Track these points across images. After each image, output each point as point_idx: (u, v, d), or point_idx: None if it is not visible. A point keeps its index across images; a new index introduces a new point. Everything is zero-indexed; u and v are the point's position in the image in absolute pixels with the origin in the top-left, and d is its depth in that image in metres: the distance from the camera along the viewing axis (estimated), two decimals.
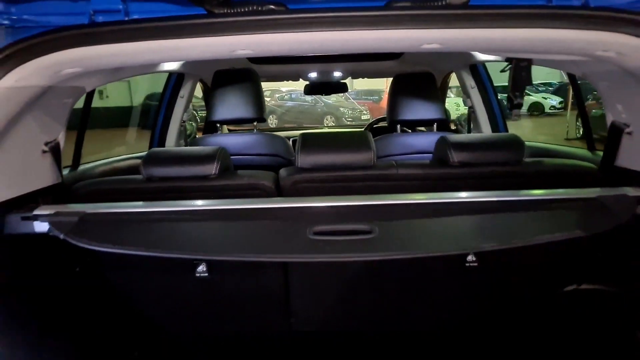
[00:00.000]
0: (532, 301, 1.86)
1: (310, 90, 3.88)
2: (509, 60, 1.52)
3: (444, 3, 1.03)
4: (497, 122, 2.85)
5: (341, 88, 3.91)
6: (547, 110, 16.84)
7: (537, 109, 17.34)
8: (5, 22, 1.11)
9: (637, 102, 1.35)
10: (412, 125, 2.88)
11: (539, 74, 20.41)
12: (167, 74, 2.91)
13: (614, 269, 1.65)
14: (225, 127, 3.87)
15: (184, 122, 3.08)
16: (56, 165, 1.55)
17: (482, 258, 1.75)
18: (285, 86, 18.25)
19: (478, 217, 1.38)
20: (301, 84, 3.94)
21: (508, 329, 1.87)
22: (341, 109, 16.88)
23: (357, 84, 23.40)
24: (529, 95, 18.26)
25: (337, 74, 3.59)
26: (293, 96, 19.25)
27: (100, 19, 1.09)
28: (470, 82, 2.90)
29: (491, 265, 1.77)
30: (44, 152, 1.47)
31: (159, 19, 1.06)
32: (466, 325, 1.91)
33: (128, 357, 1.78)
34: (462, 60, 2.84)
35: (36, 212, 1.37)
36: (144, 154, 2.92)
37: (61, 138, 1.56)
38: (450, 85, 3.71)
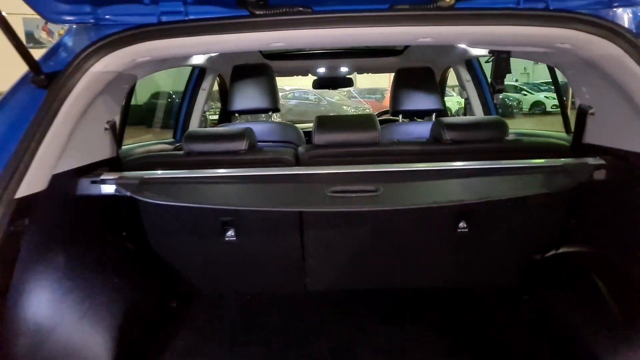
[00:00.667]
0: (515, 263, 2.15)
1: (319, 84, 4.18)
2: (491, 52, 1.81)
3: (435, 6, 1.32)
4: (490, 110, 3.15)
5: (347, 83, 4.21)
6: (548, 109, 17.09)
7: (538, 107, 17.64)
8: (92, 20, 1.41)
9: (594, 87, 1.63)
10: (413, 115, 3.17)
11: (541, 74, 20.62)
12: (175, 74, 3.22)
13: (584, 233, 1.94)
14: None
15: (205, 112, 3.39)
16: (114, 141, 1.85)
17: (471, 225, 2.06)
18: (289, 85, 18.50)
19: (464, 180, 1.68)
20: (305, 83, 4.22)
21: (496, 286, 2.17)
22: (344, 107, 17.14)
23: (360, 83, 23.54)
24: (531, 94, 18.53)
25: (343, 69, 3.89)
26: (296, 95, 19.50)
27: (165, 18, 1.38)
28: (466, 75, 3.19)
29: (478, 231, 2.07)
30: (106, 129, 1.77)
31: (212, 18, 1.36)
32: (460, 283, 2.20)
33: (168, 306, 2.08)
34: (458, 56, 3.13)
35: (103, 177, 1.67)
36: (171, 139, 3.24)
37: (117, 119, 1.86)
38: (453, 85, 4.00)
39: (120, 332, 1.60)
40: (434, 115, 3.00)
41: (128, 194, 1.61)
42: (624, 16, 1.36)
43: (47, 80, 1.29)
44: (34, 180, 1.23)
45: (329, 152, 1.95)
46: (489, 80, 3.27)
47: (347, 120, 2.13)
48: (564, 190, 1.69)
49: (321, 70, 3.89)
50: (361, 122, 2.03)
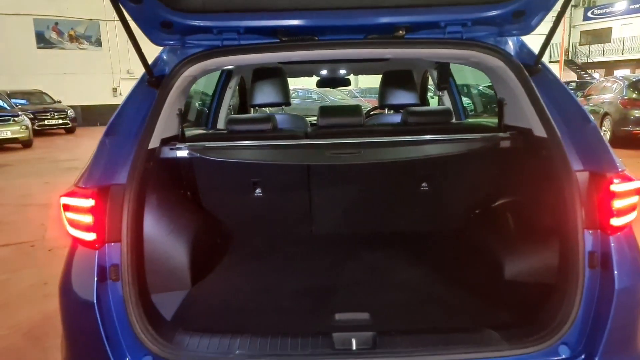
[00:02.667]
0: (461, 211, 3.00)
1: (322, 84, 5.05)
2: (436, 62, 2.66)
3: (392, 36, 2.15)
4: (457, 103, 4.00)
5: (345, 82, 5.06)
6: None
7: None
8: (179, 44, 2.26)
9: (502, 85, 2.45)
10: (396, 108, 4.00)
11: None
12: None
13: (506, 188, 2.78)
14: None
15: (231, 106, 4.25)
16: (180, 123, 2.69)
17: (430, 186, 2.91)
18: (293, 84, 19.30)
19: (418, 146, 2.53)
20: (308, 82, 5.06)
21: (447, 228, 3.02)
22: None
23: (362, 83, 24.27)
24: None
25: (342, 72, 4.75)
26: (300, 94, 20.33)
27: (226, 43, 2.22)
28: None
29: (435, 190, 2.92)
30: (177, 114, 2.61)
31: (255, 44, 2.20)
32: (422, 227, 3.05)
33: (215, 241, 2.94)
34: (432, 62, 3.97)
35: (178, 145, 2.52)
36: (204, 128, 4.08)
37: (182, 107, 2.71)
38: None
39: (190, 248, 2.45)
40: None
41: (197, 155, 2.46)
42: (506, 42, 2.20)
43: (157, 81, 2.13)
44: (154, 141, 2.08)
45: (329, 131, 2.80)
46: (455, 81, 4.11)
47: (341, 109, 2.99)
48: (480, 151, 2.53)
49: (324, 72, 4.75)
50: (351, 110, 2.89)
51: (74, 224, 1.80)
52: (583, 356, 1.69)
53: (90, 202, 1.77)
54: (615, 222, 1.71)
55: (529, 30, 2.12)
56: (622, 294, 1.68)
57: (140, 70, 2.16)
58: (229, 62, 2.30)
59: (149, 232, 2.22)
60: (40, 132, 18.68)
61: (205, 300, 2.26)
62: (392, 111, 3.91)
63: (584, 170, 1.80)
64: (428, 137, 2.53)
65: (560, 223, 1.84)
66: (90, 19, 26.07)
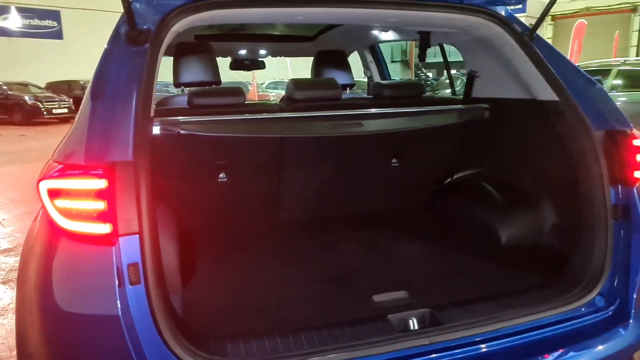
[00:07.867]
0: (430, 185, 3.04)
1: (236, 65, 4.64)
2: (418, 32, 2.63)
3: None
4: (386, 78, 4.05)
5: (260, 65, 4.73)
6: None
7: None
8: None
9: (480, 57, 2.53)
10: None
11: None
12: None
13: (474, 160, 2.89)
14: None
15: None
16: None
17: (399, 161, 2.87)
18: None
19: (397, 119, 2.47)
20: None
21: (420, 204, 3.03)
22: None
23: (262, 77, 23.73)
24: None
25: (262, 52, 4.43)
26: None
27: None
28: (369, 57, 4.04)
29: (404, 165, 2.90)
30: None
31: None
32: (394, 204, 3.01)
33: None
34: (364, 41, 3.95)
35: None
36: None
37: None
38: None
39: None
40: (347, 89, 3.76)
41: (177, 130, 2.03)
42: (505, 10, 2.26)
43: (143, 36, 1.66)
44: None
45: (305, 105, 2.56)
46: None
47: (317, 82, 2.80)
48: (458, 123, 2.58)
49: (242, 52, 4.38)
50: (328, 83, 2.69)
51: (74, 215, 1.32)
52: (618, 301, 1.79)
53: (101, 183, 1.31)
54: (639, 174, 1.85)
55: None
56: None
57: None
58: (216, 17, 1.91)
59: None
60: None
61: (208, 302, 1.89)
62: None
63: (600, 129, 1.91)
64: (406, 109, 2.49)
65: (578, 181, 1.93)
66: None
